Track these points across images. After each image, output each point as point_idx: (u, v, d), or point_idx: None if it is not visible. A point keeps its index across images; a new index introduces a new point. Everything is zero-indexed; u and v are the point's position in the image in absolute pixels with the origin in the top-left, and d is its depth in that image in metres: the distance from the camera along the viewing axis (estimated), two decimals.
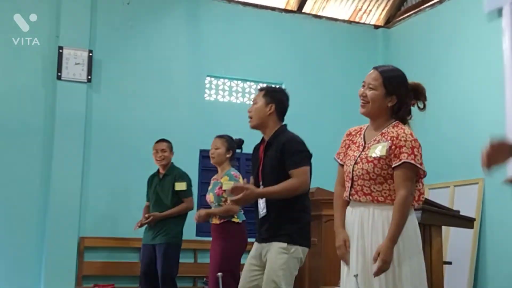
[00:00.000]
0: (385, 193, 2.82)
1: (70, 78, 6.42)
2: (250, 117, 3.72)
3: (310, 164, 3.59)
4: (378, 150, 2.84)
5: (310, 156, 3.62)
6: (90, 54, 6.50)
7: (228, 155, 4.93)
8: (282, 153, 3.53)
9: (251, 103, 3.79)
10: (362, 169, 2.85)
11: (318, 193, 6.12)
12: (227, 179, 4.79)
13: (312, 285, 5.78)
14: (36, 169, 6.30)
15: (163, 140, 5.60)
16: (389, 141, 2.82)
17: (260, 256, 3.59)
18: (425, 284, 2.85)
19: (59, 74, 6.37)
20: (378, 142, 2.87)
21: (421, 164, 2.81)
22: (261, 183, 3.62)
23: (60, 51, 6.39)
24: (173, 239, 5.42)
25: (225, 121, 6.62)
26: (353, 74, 6.75)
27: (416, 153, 2.79)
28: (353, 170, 2.89)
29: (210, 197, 4.99)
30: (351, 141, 3.05)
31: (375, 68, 2.97)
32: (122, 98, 6.69)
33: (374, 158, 2.83)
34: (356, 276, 2.74)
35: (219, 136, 5.01)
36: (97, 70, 6.59)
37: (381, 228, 2.79)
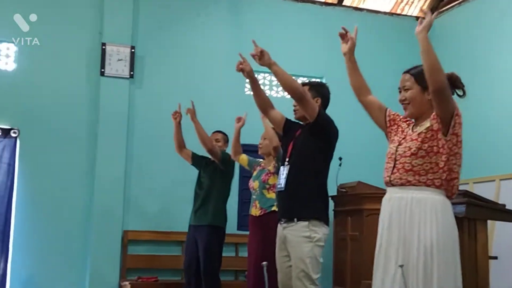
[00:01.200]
0: (426, 166, 2.82)
1: (113, 74, 6.52)
2: (296, 110, 3.80)
3: (324, 117, 3.72)
4: (420, 128, 2.92)
5: (333, 130, 3.75)
6: (132, 50, 6.59)
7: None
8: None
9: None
10: (405, 147, 2.90)
11: (359, 187, 6.09)
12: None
13: (354, 280, 5.75)
14: (81, 164, 6.43)
15: (218, 131, 5.66)
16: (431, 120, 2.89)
17: (284, 243, 3.66)
18: (460, 280, 2.81)
19: (102, 70, 6.48)
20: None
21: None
22: (287, 160, 3.74)
23: (103, 47, 6.50)
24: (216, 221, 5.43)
25: None
26: (394, 67, 6.62)
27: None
28: (396, 151, 2.95)
29: (254, 184, 5.03)
30: (399, 126, 3.09)
31: (404, 72, 3.05)
32: (164, 94, 6.75)
33: (418, 134, 2.89)
34: (401, 266, 2.73)
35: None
36: (139, 66, 6.68)
37: (419, 217, 2.78)
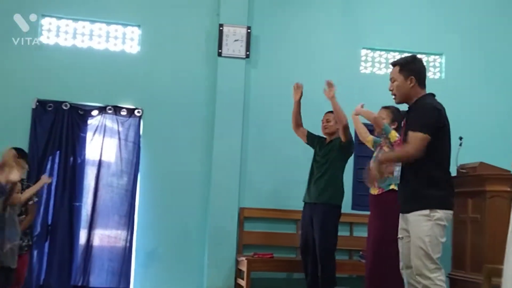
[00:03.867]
0: None
1: (230, 54, 6.66)
2: (394, 95, 3.79)
3: (430, 133, 3.55)
4: None
5: (435, 125, 3.58)
6: (248, 31, 6.69)
7: (393, 127, 4.86)
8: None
9: None
10: None
11: (481, 168, 5.84)
12: (395, 134, 4.73)
13: (474, 263, 5.56)
14: (199, 142, 6.65)
15: (330, 112, 5.64)
16: None
17: (405, 222, 3.66)
18: None
19: (220, 51, 6.64)
20: None
21: None
22: None
23: (221, 28, 6.64)
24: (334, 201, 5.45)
25: (381, 94, 6.48)
26: None
27: None
28: None
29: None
30: None
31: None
32: (278, 73, 6.81)
33: None
34: None
35: (385, 107, 4.97)
36: (254, 46, 6.77)
37: None
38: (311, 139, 5.73)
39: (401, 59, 3.91)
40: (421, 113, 3.60)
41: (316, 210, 5.37)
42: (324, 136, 5.64)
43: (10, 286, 4.82)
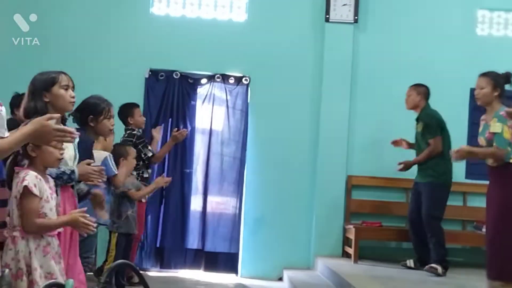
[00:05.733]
0: None
1: (337, 19, 6.53)
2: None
3: None
4: None
5: None
6: None
7: (495, 93, 4.50)
8: None
9: None
10: None
11: None
12: (495, 121, 4.41)
13: None
14: (306, 110, 6.61)
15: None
16: None
17: None
18: None
19: (327, 16, 6.52)
20: None
21: None
22: None
23: None
24: (440, 178, 5.33)
25: (500, 57, 6.14)
26: None
27: None
28: None
29: (481, 140, 4.71)
30: None
31: None
32: (388, 38, 6.61)
33: None
34: None
35: (483, 74, 4.59)
36: (363, 10, 6.58)
37: None
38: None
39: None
40: None
41: (424, 188, 5.43)
42: None
43: (131, 250, 5.14)
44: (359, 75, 6.61)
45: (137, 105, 5.74)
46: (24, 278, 2.72)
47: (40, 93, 3.16)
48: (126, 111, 5.52)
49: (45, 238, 2.82)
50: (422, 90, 5.63)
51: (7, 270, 2.21)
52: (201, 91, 6.62)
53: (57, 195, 3.02)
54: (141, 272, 2.89)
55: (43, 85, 3.18)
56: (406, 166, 5.66)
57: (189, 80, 6.56)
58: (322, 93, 6.53)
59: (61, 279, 2.73)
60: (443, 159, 5.36)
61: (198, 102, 6.61)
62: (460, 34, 6.57)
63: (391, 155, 6.44)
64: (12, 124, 2.77)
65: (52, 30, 6.38)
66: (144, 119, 5.78)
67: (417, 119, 5.64)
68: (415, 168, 5.68)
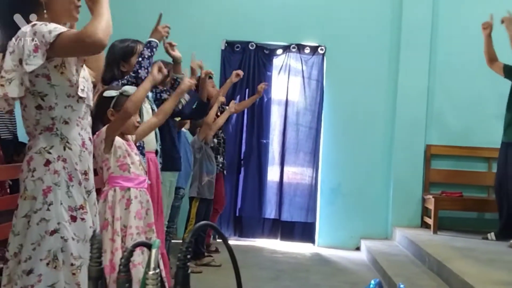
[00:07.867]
0: None
1: None
2: None
3: None
4: None
5: None
6: None
7: None
8: None
9: None
10: None
11: None
12: None
13: None
14: (384, 78, 6.50)
15: None
16: None
17: None
18: None
19: None
20: None
21: None
22: None
23: None
24: None
25: None
26: None
27: None
28: None
29: None
30: None
31: None
32: (469, 5, 6.38)
33: None
34: None
35: None
36: None
37: None
38: (509, 71, 5.31)
39: None
40: None
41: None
42: None
43: (210, 215, 5.26)
44: (438, 42, 6.42)
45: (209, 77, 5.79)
46: (109, 228, 2.78)
47: (118, 63, 3.27)
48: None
49: (131, 190, 2.86)
50: None
51: (98, 229, 2.31)
52: (277, 61, 6.63)
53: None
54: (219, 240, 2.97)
55: (122, 55, 3.28)
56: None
57: (264, 50, 6.58)
58: (399, 62, 6.40)
59: (135, 236, 2.77)
60: None
61: (274, 73, 6.63)
62: None
63: (473, 123, 6.28)
64: None
65: None
66: (218, 90, 5.83)
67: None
68: (500, 130, 5.45)
